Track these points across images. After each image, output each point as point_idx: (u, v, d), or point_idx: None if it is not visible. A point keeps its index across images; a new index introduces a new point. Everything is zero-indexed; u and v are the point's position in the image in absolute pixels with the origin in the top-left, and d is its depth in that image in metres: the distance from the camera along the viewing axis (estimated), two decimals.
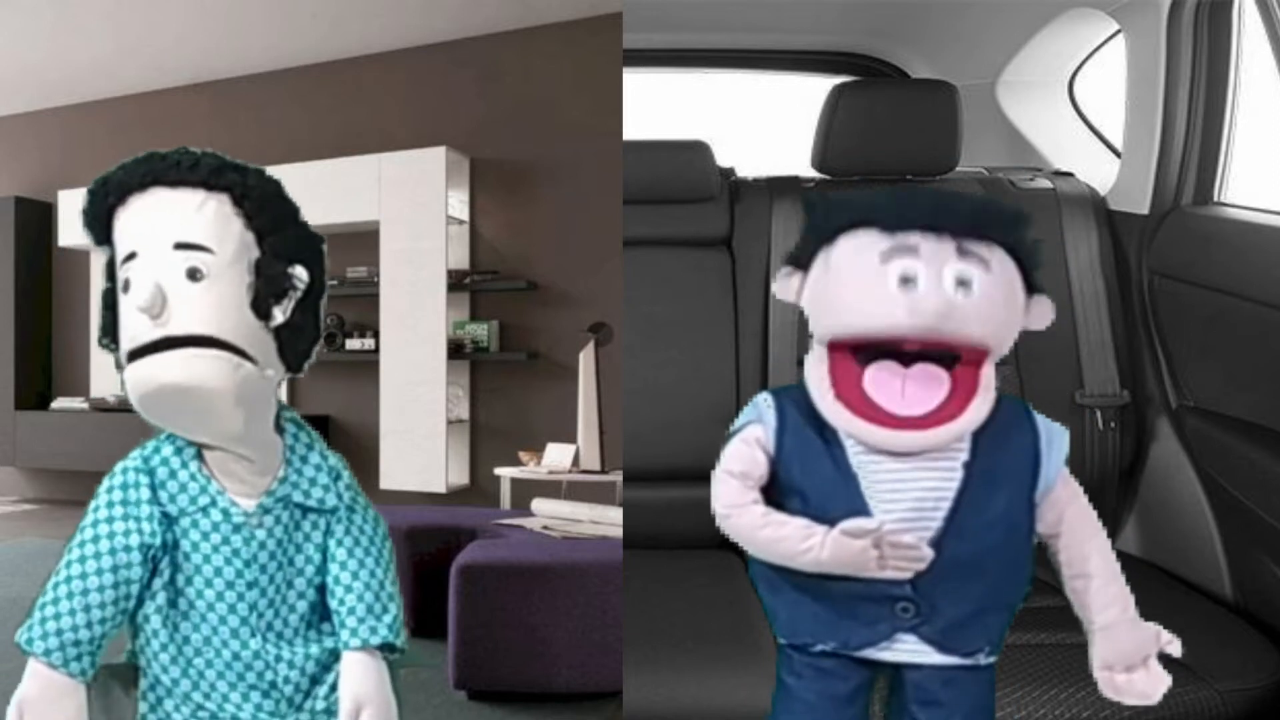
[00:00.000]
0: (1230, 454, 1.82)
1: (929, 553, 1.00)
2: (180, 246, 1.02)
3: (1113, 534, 1.13)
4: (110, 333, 1.07)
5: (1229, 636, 1.62)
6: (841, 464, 1.03)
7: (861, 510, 1.01)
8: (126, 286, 1.02)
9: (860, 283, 1.00)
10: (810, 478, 1.04)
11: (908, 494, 1.01)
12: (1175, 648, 1.06)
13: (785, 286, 1.08)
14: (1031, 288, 1.04)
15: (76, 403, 5.92)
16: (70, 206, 5.89)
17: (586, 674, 2.32)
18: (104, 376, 5.97)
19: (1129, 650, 1.06)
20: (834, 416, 1.02)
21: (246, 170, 1.07)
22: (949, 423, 0.99)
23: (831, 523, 0.99)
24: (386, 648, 1.13)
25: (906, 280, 0.97)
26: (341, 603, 1.12)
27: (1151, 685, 1.06)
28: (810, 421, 1.04)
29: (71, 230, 5.90)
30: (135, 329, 1.00)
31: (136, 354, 1.00)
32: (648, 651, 1.54)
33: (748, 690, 1.42)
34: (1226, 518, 1.83)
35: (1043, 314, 1.04)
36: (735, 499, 1.05)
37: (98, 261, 6.89)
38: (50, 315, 6.25)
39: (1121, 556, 1.10)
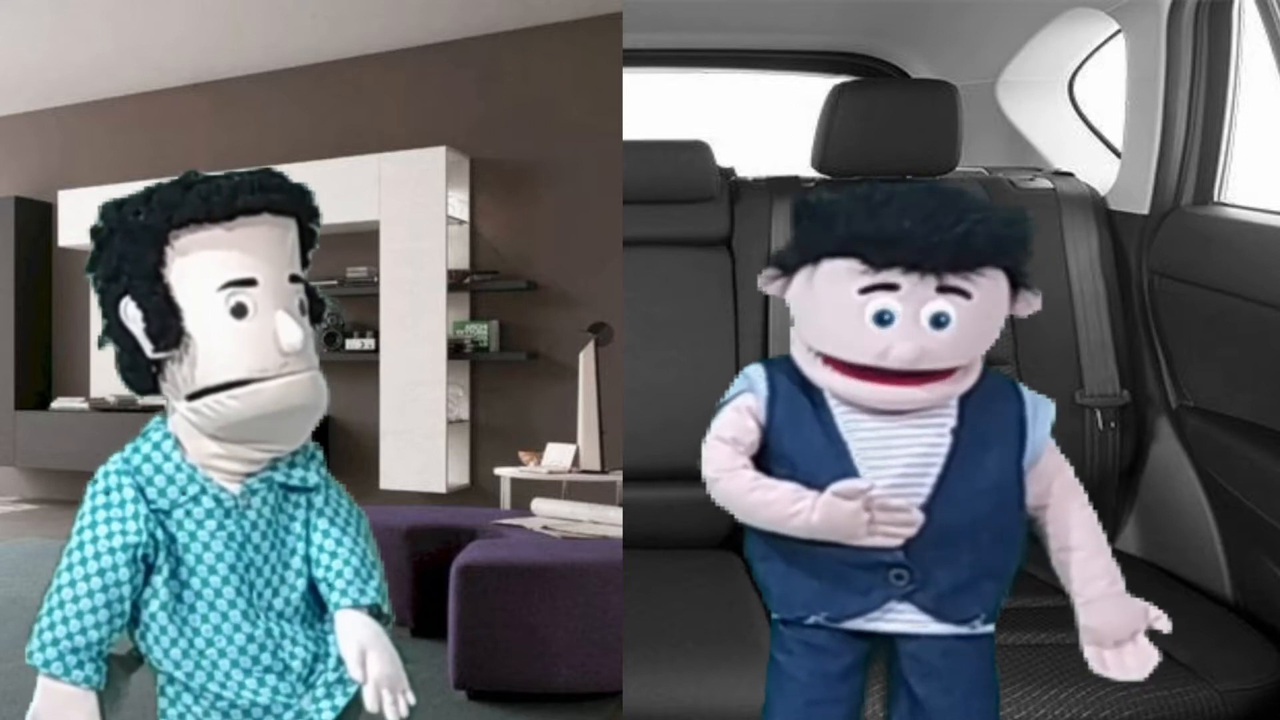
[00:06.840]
0: (1230, 454, 1.82)
1: (919, 516, 1.00)
2: (293, 280, 1.09)
3: (1113, 534, 1.13)
4: (171, 338, 1.05)
5: (1229, 636, 1.62)
6: (830, 430, 1.03)
7: (851, 475, 1.01)
8: (241, 311, 1.04)
9: (839, 313, 1.00)
10: (800, 445, 1.04)
11: (897, 459, 1.01)
12: (1164, 623, 1.06)
13: (769, 286, 1.08)
14: (1019, 285, 1.04)
15: (76, 403, 5.92)
16: (70, 206, 5.88)
17: (586, 674, 2.32)
18: (104, 377, 5.96)
19: (1116, 625, 1.06)
20: (822, 378, 1.03)
21: (311, 193, 1.13)
22: (937, 381, 1.00)
23: (820, 489, 1.00)
24: (374, 613, 1.14)
25: (883, 318, 0.98)
26: (329, 569, 1.15)
27: (1139, 661, 1.06)
28: (801, 390, 1.05)
29: (71, 230, 5.88)
30: (261, 359, 1.04)
31: (256, 379, 1.04)
32: (648, 651, 1.54)
33: (748, 690, 1.42)
34: (1226, 518, 1.83)
35: (1027, 304, 1.04)
36: (725, 463, 1.06)
37: None
38: (50, 315, 6.24)
39: (1121, 556, 1.10)
